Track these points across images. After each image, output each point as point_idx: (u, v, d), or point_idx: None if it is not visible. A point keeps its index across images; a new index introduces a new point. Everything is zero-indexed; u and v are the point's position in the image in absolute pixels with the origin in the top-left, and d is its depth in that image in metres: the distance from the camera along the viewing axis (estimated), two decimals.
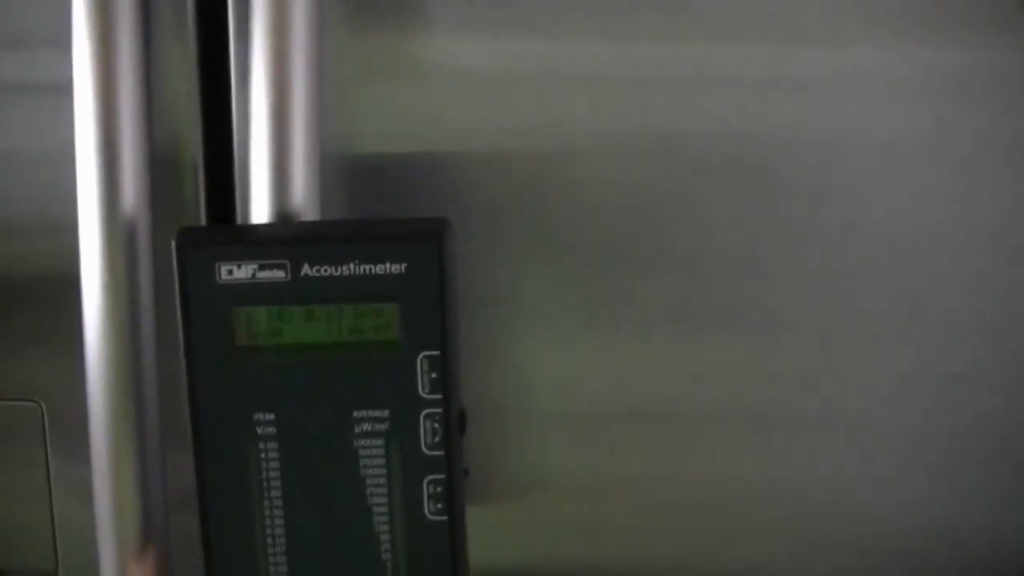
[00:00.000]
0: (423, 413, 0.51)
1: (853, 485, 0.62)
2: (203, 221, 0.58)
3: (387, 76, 0.58)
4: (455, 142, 0.58)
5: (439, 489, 0.51)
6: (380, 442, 0.51)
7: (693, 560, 0.63)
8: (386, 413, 0.51)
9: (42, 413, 0.61)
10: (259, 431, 0.51)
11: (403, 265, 0.49)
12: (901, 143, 0.57)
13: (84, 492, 0.57)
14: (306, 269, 0.49)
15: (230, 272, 0.49)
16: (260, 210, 0.53)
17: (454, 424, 0.51)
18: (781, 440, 0.61)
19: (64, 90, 0.54)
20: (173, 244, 0.50)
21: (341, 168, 0.58)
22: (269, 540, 0.52)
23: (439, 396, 0.50)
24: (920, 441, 0.61)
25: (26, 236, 0.60)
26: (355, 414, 0.51)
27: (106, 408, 0.54)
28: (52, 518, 0.62)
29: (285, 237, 0.51)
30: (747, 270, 0.59)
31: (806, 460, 0.61)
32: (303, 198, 0.53)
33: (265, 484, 0.51)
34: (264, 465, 0.51)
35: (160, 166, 0.57)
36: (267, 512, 0.51)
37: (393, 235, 0.50)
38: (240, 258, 0.49)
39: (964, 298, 0.59)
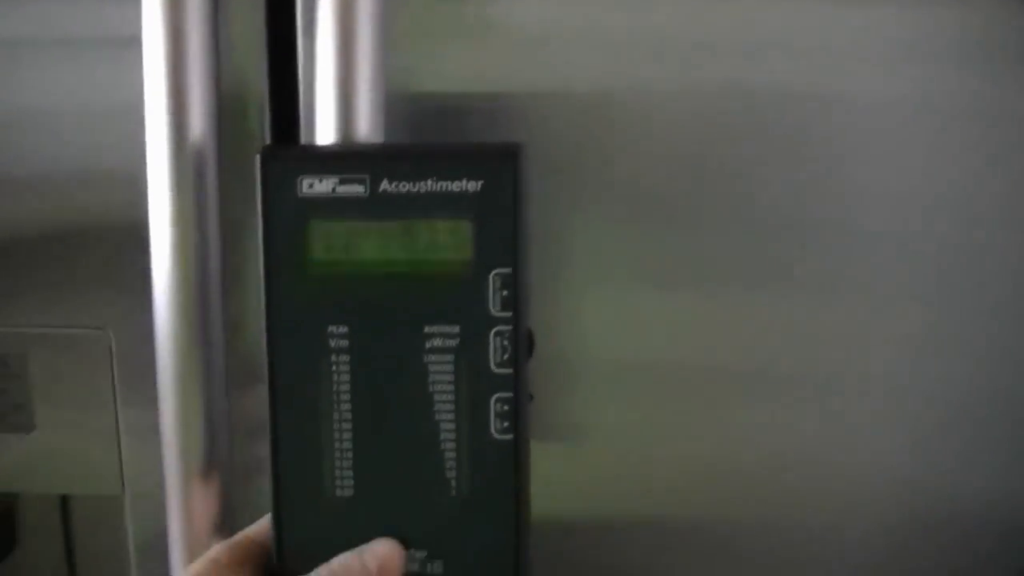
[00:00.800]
0: (493, 331, 0.51)
1: (895, 446, 0.62)
2: None
3: (451, 19, 0.58)
4: (515, 88, 0.59)
5: (506, 408, 0.52)
6: (449, 358, 0.51)
7: (731, 515, 0.64)
8: (456, 329, 0.51)
9: (111, 341, 0.62)
10: (332, 344, 0.51)
11: (479, 183, 0.50)
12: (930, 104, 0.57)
13: (150, 418, 0.59)
14: (385, 184, 0.50)
15: (311, 186, 0.50)
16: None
17: (522, 343, 0.52)
18: (825, 400, 0.61)
19: (133, 44, 0.56)
20: (257, 158, 0.51)
21: (403, 109, 0.58)
22: (336, 454, 0.52)
23: (509, 314, 0.51)
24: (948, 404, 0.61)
25: (99, 186, 0.61)
26: (426, 329, 0.51)
27: (173, 336, 0.56)
28: (118, 444, 0.64)
29: (366, 152, 0.53)
30: (796, 230, 0.59)
31: (850, 420, 0.61)
32: (368, 136, 0.54)
33: (335, 398, 0.52)
34: (335, 379, 0.52)
35: (227, 103, 0.58)
36: (336, 426, 0.52)
37: (470, 154, 0.51)
38: (321, 172, 0.50)
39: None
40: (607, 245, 0.60)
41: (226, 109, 0.57)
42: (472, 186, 0.50)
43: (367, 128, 0.54)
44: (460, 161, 0.50)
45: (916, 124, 0.57)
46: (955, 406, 0.61)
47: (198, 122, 0.55)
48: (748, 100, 0.58)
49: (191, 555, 0.59)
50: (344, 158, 0.52)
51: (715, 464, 0.63)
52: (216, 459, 0.57)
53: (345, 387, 0.52)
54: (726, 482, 0.63)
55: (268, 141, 0.60)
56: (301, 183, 0.50)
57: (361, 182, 0.50)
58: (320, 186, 0.50)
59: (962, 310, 0.60)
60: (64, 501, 0.77)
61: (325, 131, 0.54)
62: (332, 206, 0.50)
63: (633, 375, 0.62)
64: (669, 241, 0.60)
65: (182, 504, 0.58)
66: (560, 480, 0.63)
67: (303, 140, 0.59)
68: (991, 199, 0.58)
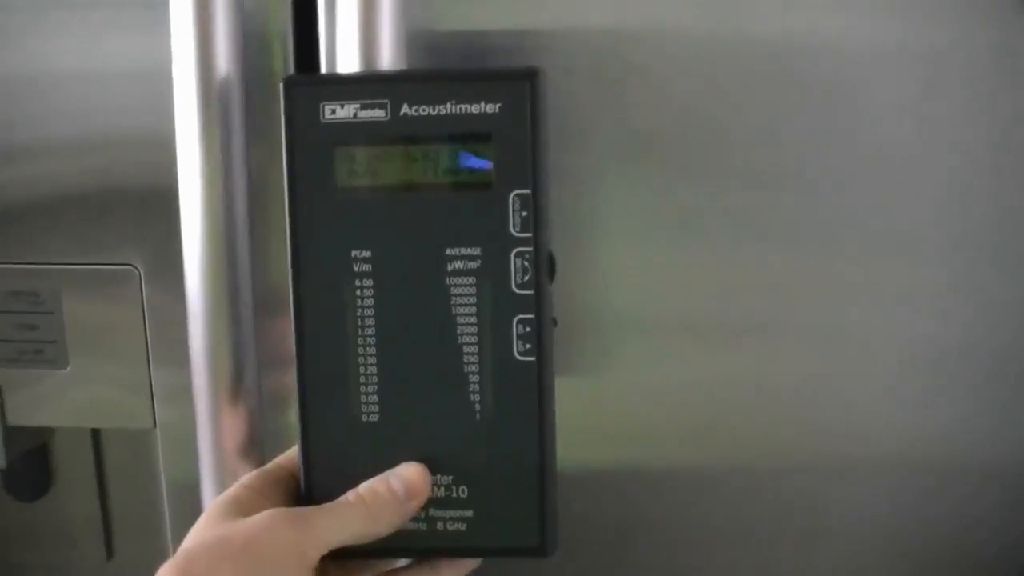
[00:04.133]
0: (513, 251, 0.51)
1: (906, 396, 0.62)
2: None
3: None
4: (536, 27, 0.59)
5: (528, 329, 0.52)
6: (471, 280, 0.52)
7: (745, 459, 0.64)
8: (478, 251, 0.52)
9: (140, 277, 0.63)
10: (355, 268, 0.52)
11: (497, 105, 0.51)
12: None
13: (180, 351, 0.60)
14: (405, 108, 0.51)
15: (333, 112, 0.51)
16: None
17: (543, 264, 0.52)
18: (833, 348, 0.62)
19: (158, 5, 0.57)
20: (281, 85, 0.51)
21: (423, 44, 0.59)
22: (361, 380, 0.53)
23: (529, 235, 0.51)
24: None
25: (129, 145, 0.62)
26: (448, 252, 0.52)
27: (201, 268, 0.57)
28: (149, 378, 0.65)
29: (386, 78, 0.53)
30: (806, 181, 0.59)
31: (861, 368, 0.62)
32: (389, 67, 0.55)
33: (359, 322, 0.52)
34: (359, 302, 0.52)
35: (251, 41, 0.58)
36: (360, 351, 0.53)
37: (489, 77, 0.52)
38: (343, 97, 0.51)
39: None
40: (628, 198, 0.60)
41: (250, 48, 0.58)
42: (491, 108, 0.51)
43: (388, 65, 0.55)
44: (478, 84, 0.51)
45: (925, 73, 0.57)
46: (956, 354, 0.61)
47: (223, 61, 0.56)
48: (765, 48, 0.58)
49: (221, 484, 0.60)
50: (365, 83, 0.52)
51: (728, 409, 0.63)
52: (244, 387, 0.59)
53: (369, 312, 0.52)
54: (740, 428, 0.64)
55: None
56: (323, 109, 0.51)
57: (382, 106, 0.51)
58: (342, 111, 0.51)
59: (963, 257, 0.60)
60: (96, 439, 0.78)
61: (348, 67, 0.55)
62: (354, 131, 0.51)
63: (651, 327, 0.62)
64: (686, 197, 0.60)
65: (212, 432, 0.59)
66: (571, 430, 0.63)
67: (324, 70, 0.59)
68: (989, 145, 0.58)
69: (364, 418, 0.53)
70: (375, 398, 0.53)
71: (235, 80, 0.56)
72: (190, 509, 0.64)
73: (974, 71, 0.57)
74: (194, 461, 0.61)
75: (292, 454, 0.55)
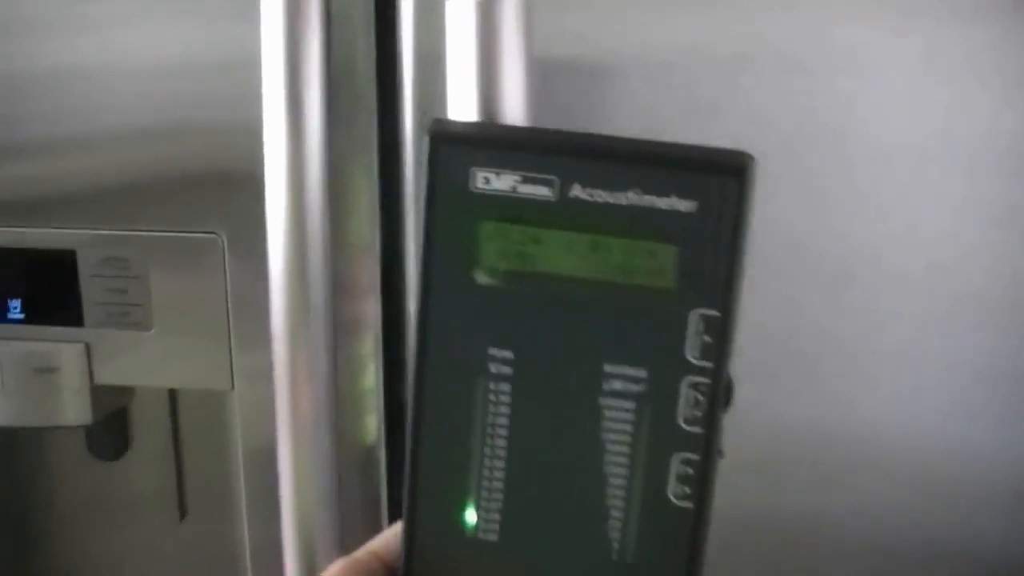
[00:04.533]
0: (686, 380, 0.43)
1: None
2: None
3: None
4: (622, 52, 0.59)
5: (689, 471, 0.43)
6: (630, 405, 0.43)
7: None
8: (643, 373, 0.43)
9: (224, 245, 0.66)
10: (492, 368, 0.44)
11: (693, 203, 0.41)
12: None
13: (260, 318, 0.62)
14: (576, 189, 0.42)
15: (487, 180, 0.43)
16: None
17: (720, 399, 0.43)
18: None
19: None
20: (426, 137, 0.43)
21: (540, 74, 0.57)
22: (484, 493, 0.45)
23: (709, 364, 0.42)
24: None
25: (210, 132, 0.65)
26: (606, 367, 0.43)
27: (284, 240, 0.59)
28: (229, 341, 0.68)
29: (556, 145, 0.43)
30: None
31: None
32: (513, 107, 0.46)
33: (489, 429, 0.45)
34: (491, 408, 0.44)
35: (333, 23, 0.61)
36: (486, 462, 0.45)
37: (687, 163, 0.42)
38: (502, 165, 0.42)
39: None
40: None
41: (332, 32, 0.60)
42: (684, 205, 0.41)
43: (513, 100, 0.46)
44: (673, 171, 0.41)
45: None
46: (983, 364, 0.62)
47: (312, 49, 0.58)
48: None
49: (296, 450, 0.63)
50: (530, 150, 0.43)
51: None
52: (321, 355, 0.61)
53: (502, 420, 0.45)
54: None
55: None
56: (475, 176, 0.43)
57: (548, 183, 0.42)
58: (498, 182, 0.42)
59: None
60: (173, 403, 0.81)
61: (464, 100, 0.46)
62: (510, 207, 0.42)
63: None
64: None
65: (289, 398, 0.61)
66: None
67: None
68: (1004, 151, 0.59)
69: (481, 535, 0.45)
70: (496, 515, 0.45)
71: (320, 68, 0.58)
72: (264, 474, 0.67)
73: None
74: (270, 427, 0.64)
75: (388, 540, 0.48)
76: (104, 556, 0.89)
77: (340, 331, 0.63)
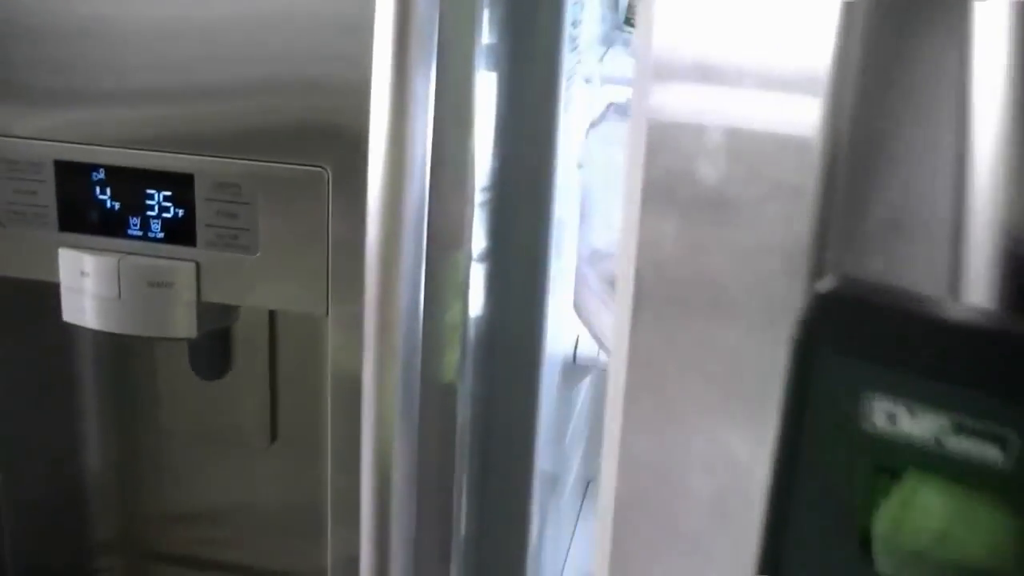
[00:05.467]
0: None
1: None
2: None
3: None
4: None
5: None
6: None
7: None
8: None
9: (329, 178, 0.70)
10: None
11: None
12: None
13: (359, 249, 0.66)
14: None
15: (891, 418, 0.28)
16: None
17: None
18: None
19: None
20: (797, 328, 0.29)
21: None
22: None
23: None
24: None
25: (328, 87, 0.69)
26: None
27: (383, 175, 0.63)
28: (327, 270, 0.72)
29: (1000, 349, 0.27)
30: None
31: None
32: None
33: None
34: None
35: None
36: None
37: None
38: (923, 399, 0.28)
39: None
40: None
41: None
42: None
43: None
44: None
45: None
46: None
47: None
48: None
49: (380, 378, 0.66)
50: (970, 381, 0.27)
51: None
52: (410, 288, 0.64)
53: None
54: None
55: None
56: (873, 407, 0.28)
57: (998, 440, 0.27)
58: (912, 424, 0.28)
59: None
60: (272, 327, 0.87)
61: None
62: (925, 462, 0.28)
63: None
64: None
65: (377, 326, 0.65)
66: None
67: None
68: None
69: None
70: None
71: (431, 27, 0.61)
72: (351, 402, 0.71)
73: None
74: (359, 356, 0.68)
75: None
76: (196, 471, 0.95)
77: (429, 272, 0.67)
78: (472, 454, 0.80)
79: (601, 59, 0.94)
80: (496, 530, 0.85)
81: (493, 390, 0.81)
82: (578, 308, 0.82)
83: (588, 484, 1.30)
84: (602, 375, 1.04)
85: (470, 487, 0.81)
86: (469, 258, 0.71)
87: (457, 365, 0.73)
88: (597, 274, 0.77)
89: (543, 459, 0.88)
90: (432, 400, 0.73)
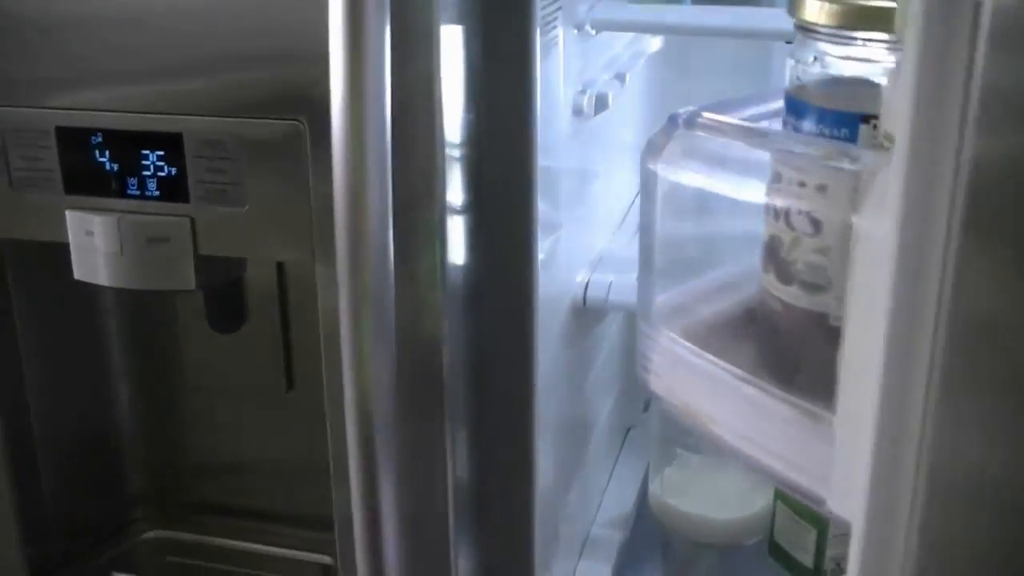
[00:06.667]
0: None
1: None
2: None
3: None
4: None
5: None
6: None
7: None
8: None
9: (306, 131, 0.73)
10: None
11: None
12: None
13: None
14: None
15: None
16: None
17: None
18: None
19: None
20: None
21: None
22: None
23: None
24: None
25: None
26: None
27: (343, 122, 0.66)
28: (310, 217, 0.75)
29: None
30: None
31: None
32: None
33: None
34: None
35: None
36: None
37: None
38: None
39: None
40: None
41: None
42: None
43: None
44: None
45: None
46: None
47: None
48: None
49: (356, 324, 0.69)
50: None
51: None
52: (378, 225, 0.67)
53: None
54: None
55: None
56: None
57: None
58: None
59: None
60: (281, 277, 0.90)
61: None
62: None
63: None
64: None
65: (348, 270, 0.68)
66: None
67: None
68: None
69: None
70: None
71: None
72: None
73: None
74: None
75: None
76: (219, 422, 0.99)
77: (401, 220, 0.69)
78: (466, 400, 0.82)
79: (592, 5, 0.94)
80: (498, 476, 0.88)
81: (483, 336, 0.83)
82: (644, 380, 0.71)
83: (628, 430, 1.31)
84: (630, 320, 1.06)
85: (466, 432, 0.83)
86: (443, 207, 0.74)
87: (437, 310, 0.76)
88: (670, 330, 0.67)
89: (549, 405, 0.90)
90: (414, 347, 0.75)
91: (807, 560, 0.91)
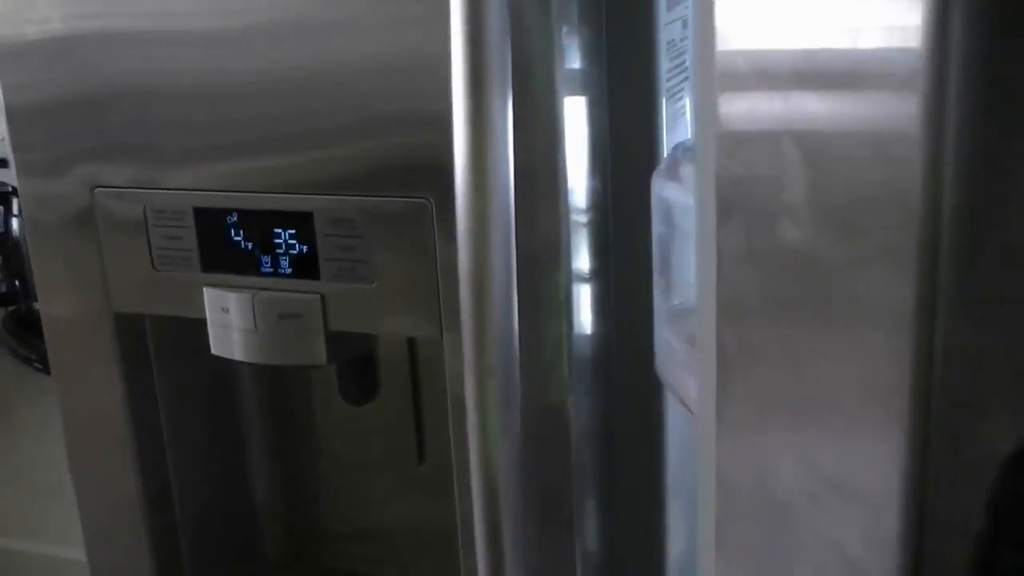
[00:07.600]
0: None
1: None
2: None
3: None
4: None
5: None
6: None
7: None
8: None
9: (432, 209, 0.74)
10: None
11: None
12: None
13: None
14: None
15: None
16: None
17: None
18: None
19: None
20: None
21: None
22: None
23: None
24: None
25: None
26: None
27: (468, 198, 0.66)
28: (438, 293, 0.75)
29: None
30: None
31: None
32: None
33: None
34: None
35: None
36: None
37: None
38: None
39: None
40: None
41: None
42: None
43: None
44: None
45: None
46: None
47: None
48: None
49: (481, 397, 0.68)
50: None
51: None
52: (505, 303, 0.67)
53: None
54: None
55: None
56: None
57: None
58: None
59: None
60: (412, 351, 0.91)
61: None
62: None
63: None
64: None
65: (474, 346, 0.68)
66: None
67: None
68: None
69: None
70: None
71: (502, 66, 0.64)
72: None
73: None
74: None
75: None
76: (353, 491, 1.00)
77: (526, 292, 0.69)
78: (595, 471, 0.82)
79: None
80: (630, 545, 0.86)
81: (612, 405, 0.82)
82: (661, 372, 0.75)
83: None
84: None
85: (595, 503, 0.82)
86: (569, 276, 0.73)
87: (564, 382, 0.75)
88: (677, 334, 0.71)
89: (683, 470, 0.88)
90: (541, 419, 0.75)
91: None
